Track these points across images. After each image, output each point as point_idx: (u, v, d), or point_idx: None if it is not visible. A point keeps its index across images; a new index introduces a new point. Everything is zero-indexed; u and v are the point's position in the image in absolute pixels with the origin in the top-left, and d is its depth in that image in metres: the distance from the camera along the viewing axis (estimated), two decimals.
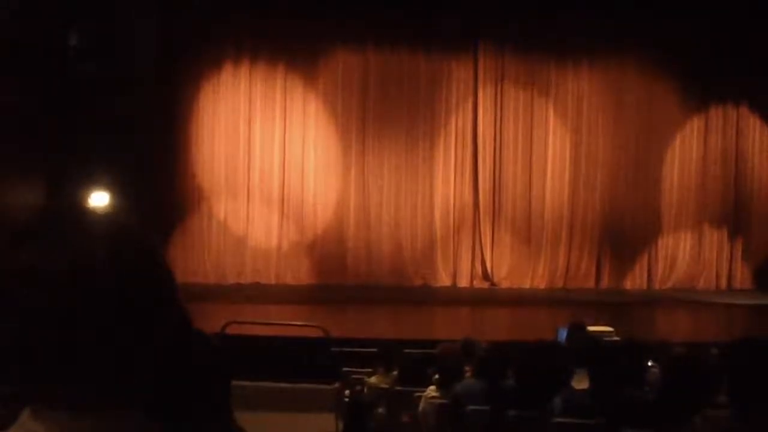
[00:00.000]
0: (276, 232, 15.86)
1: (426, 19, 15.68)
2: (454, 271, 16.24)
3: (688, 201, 16.74)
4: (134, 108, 13.61)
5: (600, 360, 4.50)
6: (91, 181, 13.15)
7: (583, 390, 4.53)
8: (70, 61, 13.00)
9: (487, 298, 15.24)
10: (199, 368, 1.99)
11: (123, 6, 13.81)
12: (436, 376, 5.81)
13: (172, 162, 15.53)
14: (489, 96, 16.38)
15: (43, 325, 0.96)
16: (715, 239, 16.79)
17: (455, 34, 16.02)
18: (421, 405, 5.55)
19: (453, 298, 15.25)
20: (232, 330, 9.30)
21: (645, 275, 16.64)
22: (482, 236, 16.31)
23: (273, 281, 15.67)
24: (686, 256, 16.73)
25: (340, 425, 7.69)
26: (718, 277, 16.78)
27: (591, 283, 16.46)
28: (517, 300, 14.95)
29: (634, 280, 16.60)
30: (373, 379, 6.83)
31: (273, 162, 15.88)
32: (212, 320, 9.27)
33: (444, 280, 16.16)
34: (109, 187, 13.23)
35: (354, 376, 7.53)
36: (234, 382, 2.18)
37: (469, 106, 16.39)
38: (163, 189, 15.17)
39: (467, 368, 5.78)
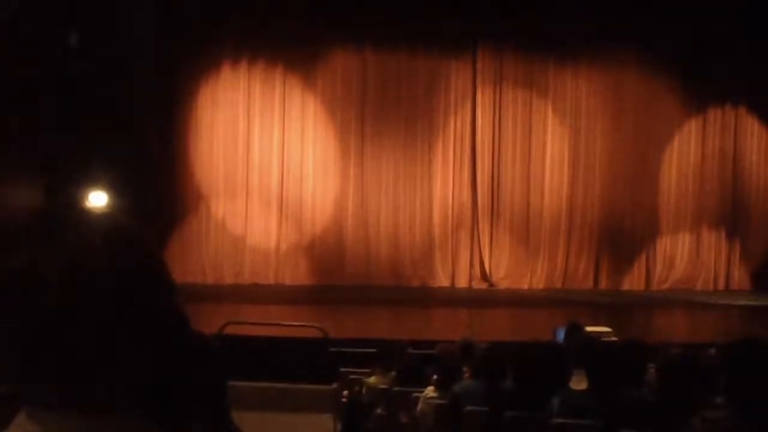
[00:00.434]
0: (274, 233, 15.85)
1: (425, 19, 15.67)
2: (453, 271, 16.24)
3: (686, 202, 16.75)
4: (133, 108, 13.61)
5: (598, 360, 4.50)
6: (90, 181, 13.14)
7: (581, 390, 4.53)
8: (69, 61, 12.99)
9: (485, 298, 15.25)
10: (198, 368, 1.99)
11: (122, 6, 13.81)
12: (435, 377, 5.81)
13: (170, 162, 15.52)
14: (488, 97, 16.38)
15: (41, 326, 0.95)
16: (713, 240, 16.80)
17: (454, 35, 16.02)
18: (420, 405, 5.55)
19: (451, 298, 15.25)
20: (230, 330, 9.30)
21: (643, 276, 16.65)
22: (481, 237, 16.32)
23: (271, 281, 15.67)
24: (684, 256, 16.73)
25: (338, 426, 7.69)
26: (716, 277, 16.78)
27: (589, 284, 16.47)
28: (516, 300, 14.96)
29: (632, 281, 16.60)
30: (371, 380, 6.83)
31: (271, 162, 15.88)
32: (211, 320, 9.28)
33: (442, 280, 16.16)
34: (107, 187, 13.23)
35: (352, 377, 7.52)
36: (232, 383, 2.18)
37: (468, 107, 16.40)
38: (162, 189, 15.17)
39: (466, 369, 5.78)
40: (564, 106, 16.50)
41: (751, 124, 16.83)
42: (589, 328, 7.55)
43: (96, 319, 0.97)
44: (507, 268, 16.33)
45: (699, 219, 16.74)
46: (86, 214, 1.05)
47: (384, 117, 16.13)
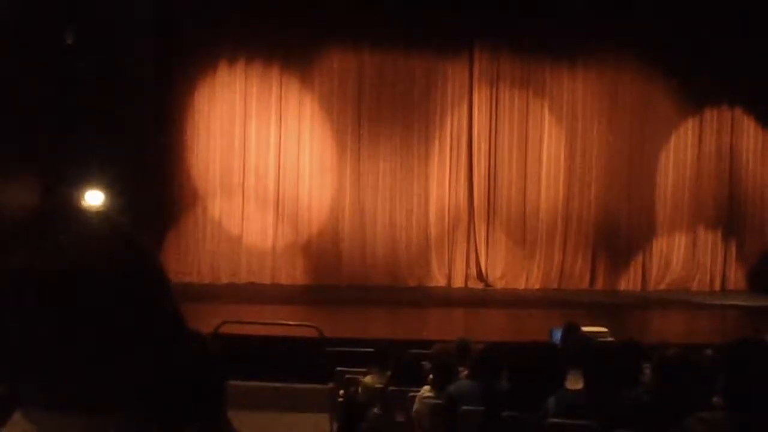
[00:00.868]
0: (271, 232, 15.85)
1: (422, 19, 15.67)
2: (449, 271, 16.25)
3: (683, 202, 16.78)
4: (129, 107, 13.59)
5: (594, 361, 4.50)
6: (86, 181, 13.12)
7: (577, 390, 4.54)
8: (66, 60, 12.97)
9: (481, 298, 15.25)
10: (195, 368, 1.99)
11: (120, 5, 13.79)
12: (431, 377, 5.81)
13: (167, 162, 15.52)
14: (484, 97, 16.39)
15: (36, 325, 0.95)
16: (709, 241, 16.83)
17: (451, 35, 16.03)
18: (416, 405, 5.55)
19: (448, 298, 15.25)
20: (226, 330, 9.29)
21: (639, 276, 16.68)
22: (477, 237, 16.33)
23: (268, 281, 15.66)
24: (680, 257, 16.76)
25: (334, 425, 7.69)
26: (712, 278, 16.82)
27: (585, 284, 16.49)
28: (512, 301, 14.96)
29: (629, 282, 16.63)
30: (367, 379, 6.82)
31: (268, 162, 15.87)
32: (207, 320, 9.27)
33: (439, 280, 16.17)
34: (103, 186, 13.21)
35: (348, 376, 7.52)
36: (228, 382, 2.18)
37: (465, 107, 16.40)
38: (158, 189, 15.16)
39: (462, 369, 5.78)
40: (560, 106, 16.52)
41: (747, 125, 16.86)
42: (585, 329, 7.56)
43: (93, 318, 0.97)
44: (503, 268, 16.34)
45: (695, 219, 16.77)
46: (83, 214, 1.04)
47: (381, 117, 16.13)
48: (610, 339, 7.86)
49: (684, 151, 16.78)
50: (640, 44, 16.18)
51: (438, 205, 16.29)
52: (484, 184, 16.38)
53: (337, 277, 15.78)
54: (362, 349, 8.05)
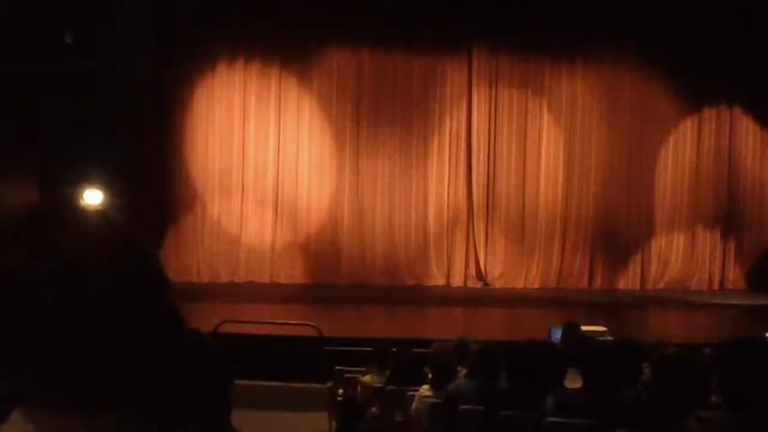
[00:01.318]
0: (270, 232, 15.84)
1: (420, 19, 15.67)
2: (448, 270, 16.25)
3: (681, 202, 16.79)
4: (129, 106, 13.58)
5: (593, 360, 4.50)
6: (85, 180, 13.12)
7: (575, 390, 4.54)
8: (65, 60, 12.96)
9: (480, 297, 15.25)
10: (194, 367, 1.99)
11: (119, 5, 13.78)
12: (430, 376, 5.81)
13: (166, 161, 15.51)
14: (483, 96, 16.39)
15: (35, 325, 0.95)
16: (707, 240, 16.84)
17: (450, 34, 16.02)
18: (414, 404, 5.55)
19: (446, 298, 15.25)
20: (225, 329, 9.30)
21: (638, 275, 16.68)
22: (476, 236, 16.33)
23: (267, 280, 15.66)
24: (679, 256, 16.77)
25: (333, 424, 7.69)
26: (710, 277, 16.82)
27: (584, 284, 16.49)
28: (511, 300, 14.96)
29: (627, 281, 16.63)
30: (366, 379, 6.83)
31: (267, 161, 15.87)
32: (206, 319, 9.26)
33: (437, 279, 16.17)
34: (103, 185, 13.21)
35: (347, 376, 7.52)
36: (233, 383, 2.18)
37: (463, 106, 16.40)
38: (158, 188, 15.17)
39: (460, 368, 5.78)
40: (559, 105, 16.52)
41: (746, 124, 16.87)
42: (584, 328, 7.56)
43: (92, 318, 0.97)
44: (502, 267, 16.34)
45: (694, 218, 16.77)
46: (82, 213, 1.04)
47: (379, 116, 16.13)
48: (609, 338, 7.87)
49: (683, 151, 16.79)
50: (639, 44, 16.18)
51: (437, 204, 16.29)
52: (483, 184, 16.37)
53: (336, 277, 15.79)
54: (361, 349, 8.05)
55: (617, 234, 16.64)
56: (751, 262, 16.79)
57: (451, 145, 16.37)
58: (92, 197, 13.11)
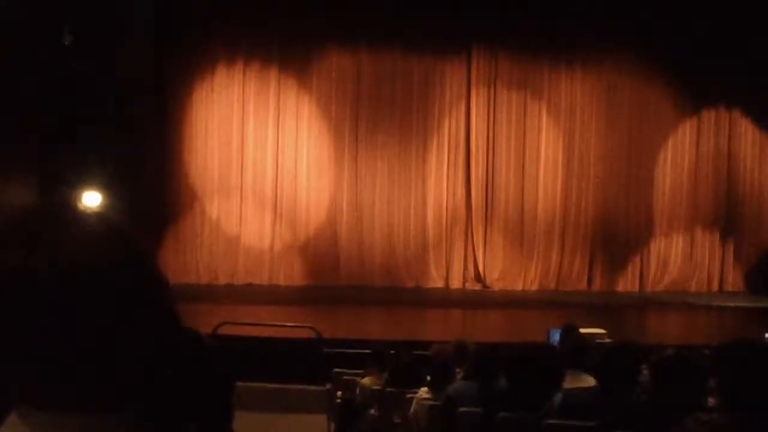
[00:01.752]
0: (269, 233, 15.84)
1: (419, 21, 15.67)
2: (447, 272, 16.25)
3: (681, 203, 16.79)
4: (128, 107, 13.58)
5: (592, 361, 4.50)
6: (84, 181, 13.11)
7: (585, 389, 4.54)
8: (64, 61, 12.96)
9: (479, 299, 15.25)
10: (193, 368, 1.98)
11: (118, 5, 13.78)
12: (428, 378, 5.80)
13: (165, 162, 15.51)
14: (482, 98, 16.39)
15: (31, 326, 0.95)
16: (707, 242, 16.85)
17: (449, 35, 16.02)
18: (413, 406, 5.54)
19: (445, 299, 15.24)
20: (224, 331, 9.29)
21: (637, 277, 16.69)
22: (475, 238, 16.32)
23: (265, 282, 15.66)
24: (678, 258, 16.77)
25: (332, 426, 7.68)
26: (710, 279, 16.83)
27: (583, 285, 16.50)
28: (510, 302, 14.96)
29: (626, 282, 16.63)
30: (365, 380, 6.82)
31: (266, 163, 15.86)
32: (205, 321, 9.26)
33: (436, 281, 16.17)
34: (101, 187, 13.19)
35: (346, 377, 7.52)
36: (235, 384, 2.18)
37: (462, 107, 16.41)
38: (156, 189, 15.16)
39: (459, 370, 5.77)
40: (558, 107, 16.52)
41: (745, 126, 16.88)
42: (583, 330, 7.56)
43: (91, 319, 0.97)
44: (501, 269, 16.34)
45: (693, 220, 16.78)
46: (80, 215, 1.04)
47: (378, 117, 16.13)
48: (608, 340, 7.87)
49: (682, 152, 16.80)
50: (638, 45, 16.19)
51: (436, 206, 16.28)
52: (482, 185, 16.37)
53: (334, 278, 15.78)
54: (360, 350, 8.05)
55: (616, 235, 16.65)
56: (751, 264, 16.80)
57: (450, 147, 16.37)
58: (91, 199, 13.09)
